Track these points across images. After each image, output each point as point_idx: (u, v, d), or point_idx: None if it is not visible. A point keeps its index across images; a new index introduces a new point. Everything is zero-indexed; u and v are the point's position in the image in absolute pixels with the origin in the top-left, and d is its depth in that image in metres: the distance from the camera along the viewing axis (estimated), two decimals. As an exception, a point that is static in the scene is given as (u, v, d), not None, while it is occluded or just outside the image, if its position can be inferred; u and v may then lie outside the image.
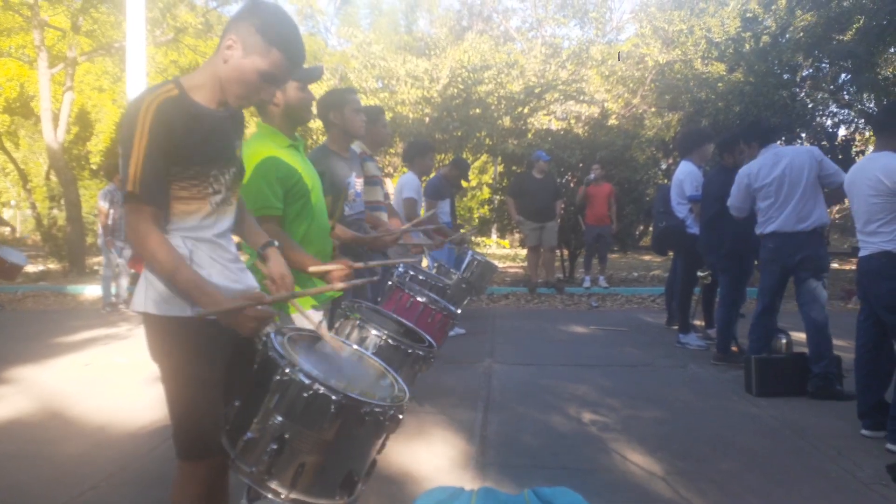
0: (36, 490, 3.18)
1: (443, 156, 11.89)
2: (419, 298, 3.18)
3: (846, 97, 13.54)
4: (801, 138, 12.85)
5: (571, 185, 11.16)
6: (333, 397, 1.72)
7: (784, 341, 5.13)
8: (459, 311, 5.74)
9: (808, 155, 4.85)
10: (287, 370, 1.75)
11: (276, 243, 2.21)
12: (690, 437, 3.90)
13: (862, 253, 3.98)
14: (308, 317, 2.20)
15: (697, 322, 6.75)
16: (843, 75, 13.05)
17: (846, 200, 4.33)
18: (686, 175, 6.27)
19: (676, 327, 7.06)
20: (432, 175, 7.86)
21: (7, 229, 24.83)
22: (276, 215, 2.57)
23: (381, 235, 3.60)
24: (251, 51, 1.88)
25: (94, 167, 19.37)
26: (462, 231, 7.37)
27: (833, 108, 13.76)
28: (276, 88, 2.00)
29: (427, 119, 12.51)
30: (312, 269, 2.46)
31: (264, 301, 1.89)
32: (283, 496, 1.73)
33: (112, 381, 5.26)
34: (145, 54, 8.40)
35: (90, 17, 13.97)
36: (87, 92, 17.42)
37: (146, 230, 1.81)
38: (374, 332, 2.54)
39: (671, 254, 7.33)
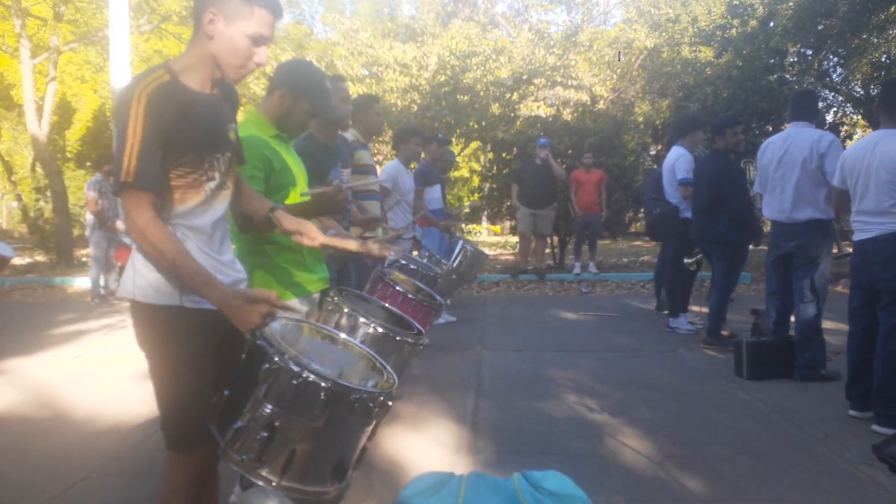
0: (26, 483, 3.16)
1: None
2: (399, 288, 3.17)
3: (834, 81, 13.59)
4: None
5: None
6: (323, 384, 1.72)
7: (771, 321, 5.15)
8: (449, 302, 5.75)
9: (814, 143, 4.53)
10: (276, 358, 1.75)
11: (280, 206, 2.28)
12: (681, 422, 3.93)
13: (863, 235, 3.83)
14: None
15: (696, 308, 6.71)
16: (829, 59, 13.10)
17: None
18: (677, 158, 6.27)
19: (667, 312, 7.10)
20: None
21: None
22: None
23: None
24: (234, 17, 1.85)
25: (69, 154, 19.04)
26: (459, 210, 7.33)
27: (822, 92, 13.81)
28: (267, 47, 1.97)
29: (415, 107, 12.44)
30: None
31: (273, 302, 1.84)
32: (274, 484, 1.74)
33: (102, 373, 5.23)
34: (129, 43, 8.30)
35: (72, 6, 13.77)
36: (68, 82, 17.21)
37: (146, 220, 1.78)
38: (362, 320, 2.53)
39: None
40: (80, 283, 10.57)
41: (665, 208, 6.46)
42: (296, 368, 1.73)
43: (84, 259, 12.89)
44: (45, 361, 5.63)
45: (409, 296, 3.18)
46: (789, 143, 4.70)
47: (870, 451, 3.36)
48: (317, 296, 2.77)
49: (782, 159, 4.70)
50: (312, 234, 2.27)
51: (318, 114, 2.79)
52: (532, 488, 2.56)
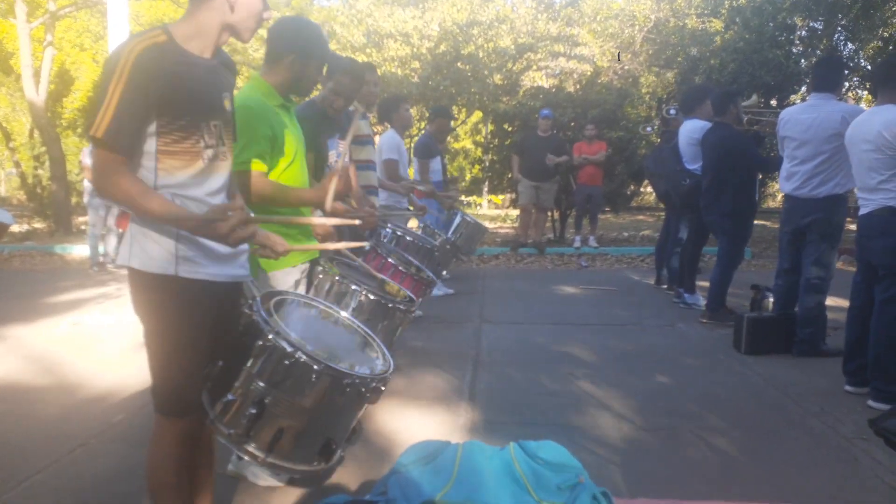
0: (25, 448, 3.17)
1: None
2: (390, 260, 3.15)
3: (842, 56, 13.40)
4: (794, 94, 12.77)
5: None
6: (315, 366, 1.70)
7: (771, 300, 5.15)
8: (446, 273, 5.73)
9: (842, 115, 4.31)
10: (270, 336, 1.74)
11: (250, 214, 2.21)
12: (678, 395, 3.94)
13: (862, 211, 3.85)
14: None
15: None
16: (838, 32, 12.92)
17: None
18: (702, 130, 5.92)
19: (665, 286, 7.08)
20: (419, 133, 7.72)
21: None
22: (262, 169, 2.51)
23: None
24: None
25: (64, 123, 18.82)
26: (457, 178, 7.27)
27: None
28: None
29: (415, 76, 12.30)
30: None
31: (241, 215, 1.80)
32: (259, 460, 1.73)
33: (101, 341, 5.24)
34: (128, 10, 8.17)
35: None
36: (67, 49, 16.96)
37: (113, 175, 1.75)
38: (353, 287, 2.51)
39: (662, 216, 7.24)
40: (79, 250, 10.56)
41: (694, 179, 6.26)
42: (288, 348, 1.71)
43: (83, 227, 12.88)
44: (44, 328, 5.63)
45: (401, 269, 3.17)
46: (815, 116, 4.47)
47: (865, 425, 3.36)
48: (305, 267, 2.74)
49: (807, 133, 4.50)
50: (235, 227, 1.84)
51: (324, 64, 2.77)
52: (527, 457, 2.57)
